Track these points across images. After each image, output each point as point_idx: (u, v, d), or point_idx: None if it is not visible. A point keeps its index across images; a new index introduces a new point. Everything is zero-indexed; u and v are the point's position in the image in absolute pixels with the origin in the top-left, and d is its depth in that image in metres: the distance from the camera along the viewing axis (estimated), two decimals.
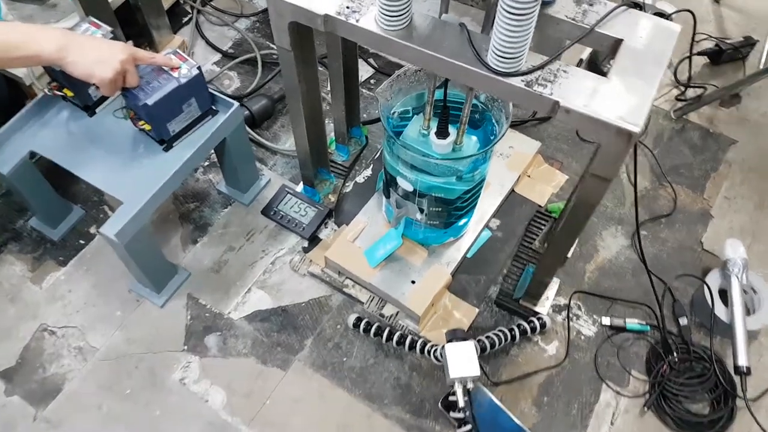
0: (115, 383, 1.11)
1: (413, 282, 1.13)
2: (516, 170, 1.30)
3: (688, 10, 1.49)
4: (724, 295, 1.16)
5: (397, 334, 1.10)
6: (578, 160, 1.39)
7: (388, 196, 1.12)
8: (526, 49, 0.74)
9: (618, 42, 0.80)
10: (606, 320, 1.16)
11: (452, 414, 1.02)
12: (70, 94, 1.09)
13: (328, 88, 1.26)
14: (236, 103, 1.12)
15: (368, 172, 1.36)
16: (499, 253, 1.23)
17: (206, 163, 1.39)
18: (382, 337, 1.10)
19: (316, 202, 1.28)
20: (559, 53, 0.78)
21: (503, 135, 0.95)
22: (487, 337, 1.07)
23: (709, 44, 1.61)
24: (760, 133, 1.47)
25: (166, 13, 1.50)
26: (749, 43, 1.61)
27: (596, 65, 1.52)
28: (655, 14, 1.34)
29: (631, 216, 1.31)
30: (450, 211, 1.07)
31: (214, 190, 1.34)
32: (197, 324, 1.17)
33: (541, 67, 0.76)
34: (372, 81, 1.54)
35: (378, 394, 1.09)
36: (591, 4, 0.83)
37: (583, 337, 1.16)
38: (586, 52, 1.58)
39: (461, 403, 0.94)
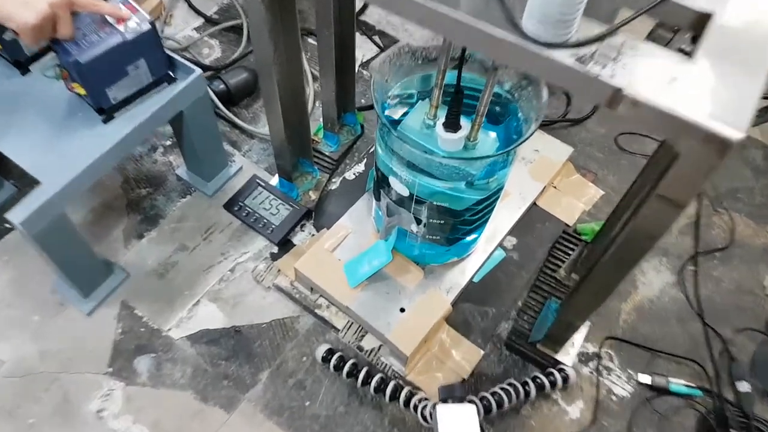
0: (17, 407, 0.87)
1: (402, 310, 0.88)
2: (541, 180, 1.05)
3: None
4: None
5: (377, 377, 0.85)
6: (616, 173, 1.14)
7: (378, 199, 0.88)
8: (579, 12, 0.50)
9: (704, 18, 0.55)
10: (645, 378, 0.91)
11: None
12: None
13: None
14: (198, 70, 0.88)
15: (360, 167, 1.12)
16: (514, 280, 0.98)
17: (168, 142, 1.15)
18: (357, 378, 0.86)
19: (293, 198, 1.04)
20: (626, 21, 0.53)
21: (532, 134, 0.71)
22: (494, 394, 0.82)
23: None
24: None
25: None
26: None
27: None
28: None
29: (680, 246, 1.06)
30: (455, 224, 0.82)
31: (173, 175, 1.11)
32: (128, 341, 0.93)
33: (600, 38, 0.52)
34: None
35: None
36: None
37: (615, 398, 0.91)
38: (645, 29, 1.32)
39: None
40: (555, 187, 1.09)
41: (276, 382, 0.90)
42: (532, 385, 0.85)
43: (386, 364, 0.90)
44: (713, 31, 0.54)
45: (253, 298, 0.98)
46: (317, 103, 1.21)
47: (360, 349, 0.92)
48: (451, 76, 0.71)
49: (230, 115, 1.15)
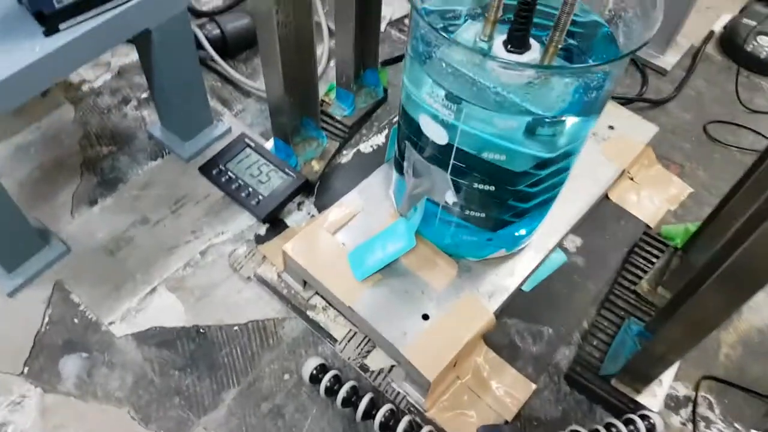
0: None
1: (426, 317, 0.63)
2: (617, 161, 0.80)
3: None
4: None
5: (385, 408, 0.60)
6: (707, 168, 0.89)
7: (401, 171, 0.64)
8: None
9: None
10: None
11: None
12: None
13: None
14: None
15: (379, 139, 0.88)
16: (578, 292, 0.73)
17: (144, 95, 0.92)
18: (356, 408, 0.61)
19: (290, 166, 0.80)
20: None
21: (644, 45, 0.47)
22: None
23: None
24: None
25: None
26: None
27: (734, 43, 1.03)
28: None
29: None
30: (504, 197, 0.58)
31: (144, 133, 0.88)
32: (55, 334, 0.70)
33: None
34: (407, 22, 1.08)
35: None
36: None
37: None
38: (719, 23, 1.09)
39: None
40: (632, 179, 0.84)
41: (245, 405, 0.65)
42: None
43: (398, 392, 0.65)
44: None
45: (226, 290, 0.74)
46: (331, 63, 0.98)
47: (364, 368, 0.67)
48: None
49: (227, 67, 0.93)
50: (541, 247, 0.70)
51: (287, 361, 0.69)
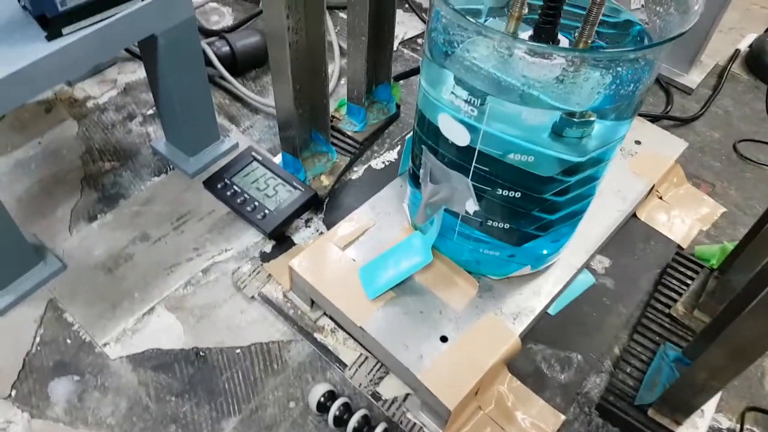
0: None
1: (444, 340, 0.58)
2: (645, 177, 0.76)
3: None
4: None
5: None
6: (739, 188, 0.84)
7: (416, 184, 0.60)
8: None
9: None
10: None
11: None
12: None
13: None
14: None
15: (392, 155, 0.84)
16: (609, 316, 0.68)
17: (150, 111, 0.90)
18: None
19: (299, 179, 0.76)
20: None
21: (683, 34, 0.43)
22: None
23: None
24: None
25: None
26: None
27: (760, 61, 1.00)
28: None
29: None
30: (529, 206, 0.53)
31: (148, 148, 0.85)
32: (46, 354, 0.65)
33: None
34: (421, 41, 1.05)
35: None
36: None
37: None
38: (744, 42, 1.06)
39: None
40: (661, 198, 0.79)
41: None
42: None
43: (414, 423, 0.59)
44: None
45: (228, 310, 0.69)
46: (342, 80, 0.95)
47: (376, 396, 0.62)
48: None
49: (236, 83, 0.90)
50: (568, 265, 0.65)
51: (293, 388, 0.63)
